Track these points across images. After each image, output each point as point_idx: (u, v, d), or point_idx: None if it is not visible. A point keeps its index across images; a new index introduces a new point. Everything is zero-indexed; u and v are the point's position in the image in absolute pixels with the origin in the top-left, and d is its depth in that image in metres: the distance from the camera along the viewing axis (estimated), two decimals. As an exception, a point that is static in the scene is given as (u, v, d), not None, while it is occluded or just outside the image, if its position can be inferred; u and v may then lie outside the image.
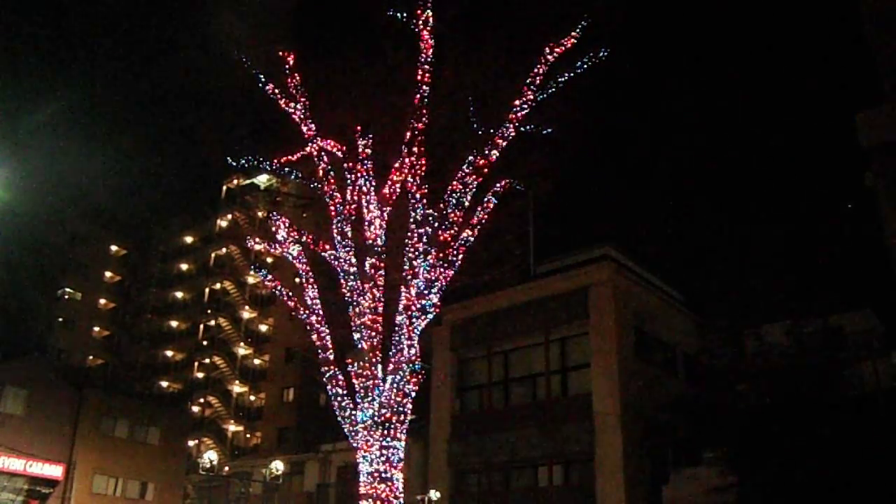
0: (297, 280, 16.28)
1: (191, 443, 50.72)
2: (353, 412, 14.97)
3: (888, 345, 19.25)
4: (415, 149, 15.12)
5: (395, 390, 14.58)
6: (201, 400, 58.80)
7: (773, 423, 16.40)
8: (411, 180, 15.15)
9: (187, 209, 68.92)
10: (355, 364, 14.83)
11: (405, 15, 15.31)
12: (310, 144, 15.91)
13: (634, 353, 24.27)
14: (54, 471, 34.38)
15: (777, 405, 16.79)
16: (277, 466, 26.29)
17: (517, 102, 15.28)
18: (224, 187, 65.69)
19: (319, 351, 15.60)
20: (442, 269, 15.00)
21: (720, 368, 18.67)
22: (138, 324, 69.34)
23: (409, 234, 15.01)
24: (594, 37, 15.30)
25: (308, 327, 15.78)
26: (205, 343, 62.15)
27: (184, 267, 69.16)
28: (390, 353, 14.88)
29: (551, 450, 23.75)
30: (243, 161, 16.08)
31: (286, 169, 16.36)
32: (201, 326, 63.50)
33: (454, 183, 15.29)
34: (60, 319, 65.44)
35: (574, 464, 23.75)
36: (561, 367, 24.91)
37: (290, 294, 16.11)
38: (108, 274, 71.98)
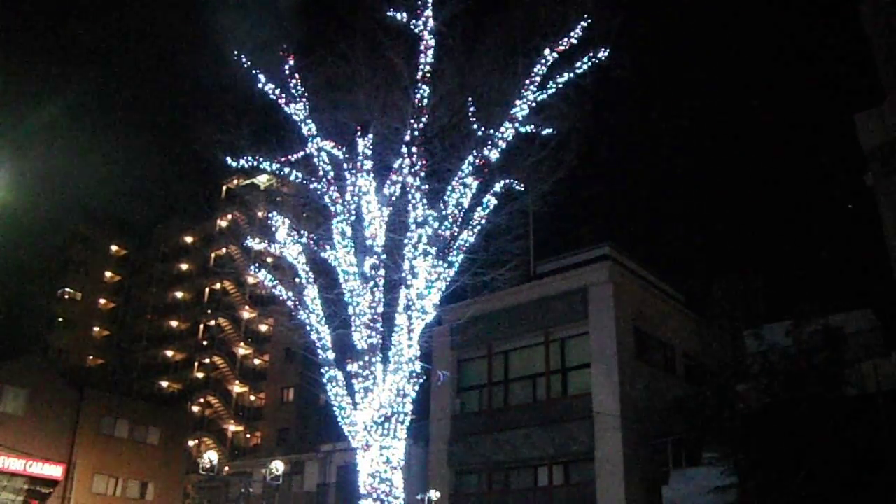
0: (297, 280, 16.27)
1: (191, 443, 50.76)
2: (353, 412, 14.96)
3: (888, 345, 19.24)
4: (415, 149, 15.11)
5: (394, 390, 14.57)
6: (201, 400, 58.82)
7: (773, 423, 16.40)
8: (411, 180, 15.14)
9: (187, 209, 68.96)
10: (355, 364, 14.82)
11: (405, 15, 15.30)
12: (310, 143, 15.90)
13: (634, 353, 24.28)
14: (54, 471, 34.35)
15: (777, 405, 16.79)
16: (277, 466, 26.25)
17: (517, 102, 15.27)
18: (224, 187, 65.70)
19: (319, 351, 15.59)
20: (442, 269, 14.99)
21: (720, 368, 18.67)
22: (138, 324, 69.36)
23: (409, 234, 15.01)
24: (594, 37, 15.29)
25: (308, 327, 15.76)
26: (205, 343, 62.17)
27: (184, 267, 69.16)
28: (390, 353, 14.87)
29: (551, 450, 23.76)
30: (243, 161, 16.06)
31: (286, 169, 16.32)
32: (201, 326, 63.52)
33: (454, 183, 15.28)
34: (60, 319, 65.46)
35: (574, 464, 23.75)
36: (561, 367, 24.92)
37: (290, 294, 16.09)
38: (108, 274, 72.04)
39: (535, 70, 15.29)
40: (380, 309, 15.11)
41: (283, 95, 15.82)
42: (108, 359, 68.47)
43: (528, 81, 15.29)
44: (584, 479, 23.13)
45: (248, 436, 56.58)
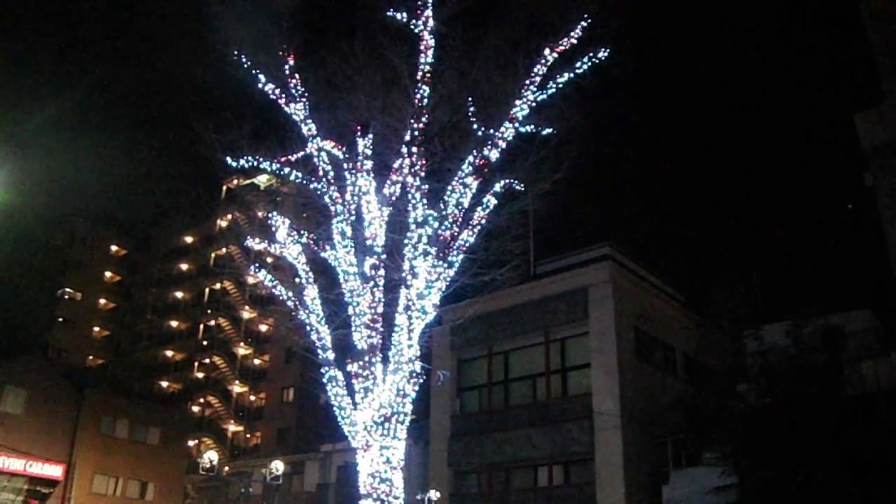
0: (297, 280, 16.27)
1: (191, 443, 50.73)
2: (353, 412, 14.96)
3: (888, 345, 19.25)
4: (415, 149, 15.11)
5: (394, 390, 14.57)
6: (201, 400, 58.80)
7: (773, 423, 16.40)
8: (411, 180, 15.14)
9: (187, 209, 68.85)
10: (355, 364, 14.82)
11: (405, 15, 15.30)
12: (310, 143, 15.89)
13: (634, 353, 24.28)
14: (54, 471, 34.37)
15: (777, 405, 16.80)
16: (277, 466, 26.25)
17: (517, 102, 15.27)
18: (224, 187, 65.65)
19: (319, 351, 15.59)
20: (442, 269, 14.99)
21: (720, 368, 18.68)
22: (138, 324, 69.31)
23: (409, 234, 15.00)
24: (594, 37, 15.28)
25: (308, 327, 15.76)
26: (205, 343, 62.14)
27: (184, 267, 69.12)
28: (390, 353, 14.86)
29: (551, 450, 23.76)
30: (243, 161, 16.05)
31: (286, 169, 16.32)
32: (201, 326, 63.50)
33: (454, 183, 15.28)
34: (60, 319, 65.38)
35: (574, 464, 23.76)
36: (561, 367, 24.92)
37: (290, 294, 16.08)
38: (108, 274, 71.99)
39: (536, 70, 15.28)
40: (380, 309, 15.11)
41: (283, 95, 15.82)
42: (108, 359, 68.42)
43: (528, 81, 15.28)
44: (584, 479, 23.13)
45: (248, 436, 56.56)
